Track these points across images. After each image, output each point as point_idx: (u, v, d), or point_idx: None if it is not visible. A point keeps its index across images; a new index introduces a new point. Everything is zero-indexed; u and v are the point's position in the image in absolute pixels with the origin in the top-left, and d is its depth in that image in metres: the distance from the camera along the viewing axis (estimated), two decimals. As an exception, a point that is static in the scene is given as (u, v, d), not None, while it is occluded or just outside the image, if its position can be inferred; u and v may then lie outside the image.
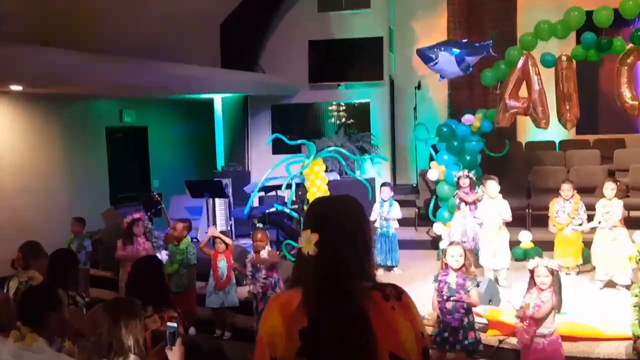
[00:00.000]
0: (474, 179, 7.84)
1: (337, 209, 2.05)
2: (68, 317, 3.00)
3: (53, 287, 3.12)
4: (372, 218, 7.97)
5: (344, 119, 12.54)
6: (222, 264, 6.35)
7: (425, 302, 6.17)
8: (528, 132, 11.55)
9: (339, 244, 1.96)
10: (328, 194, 7.79)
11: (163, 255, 7.34)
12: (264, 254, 5.82)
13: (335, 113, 12.60)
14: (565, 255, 7.26)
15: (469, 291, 4.81)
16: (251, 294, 5.92)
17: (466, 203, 7.61)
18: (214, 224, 9.57)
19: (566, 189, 7.42)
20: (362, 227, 2.04)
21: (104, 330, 2.59)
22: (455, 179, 7.90)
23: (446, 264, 4.95)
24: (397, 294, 1.98)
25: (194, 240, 8.40)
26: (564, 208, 7.38)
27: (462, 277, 4.85)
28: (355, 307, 1.89)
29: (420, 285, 7.19)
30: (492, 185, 7.09)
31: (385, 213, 7.95)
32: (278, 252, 8.23)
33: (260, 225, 6.45)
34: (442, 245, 5.11)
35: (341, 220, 2.01)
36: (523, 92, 8.31)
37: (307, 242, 1.95)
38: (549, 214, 7.56)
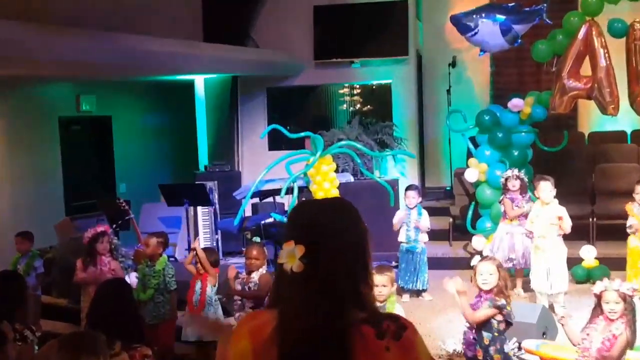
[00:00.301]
0: (526, 180, 7.86)
1: (329, 215, 2.05)
2: (15, 356, 3.04)
3: (-4, 319, 3.16)
4: (395, 229, 7.99)
5: (358, 106, 12.55)
6: (198, 287, 6.41)
7: (460, 337, 6.23)
8: (592, 121, 11.54)
9: (331, 259, 1.96)
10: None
11: (132, 278, 7.39)
12: (254, 277, 5.81)
13: (348, 98, 12.62)
14: (640, 276, 7.25)
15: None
16: None
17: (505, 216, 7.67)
18: (196, 238, 9.63)
19: None
20: (360, 239, 2.04)
21: (59, 374, 2.62)
22: (502, 180, 7.92)
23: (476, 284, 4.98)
24: (396, 331, 1.93)
25: (171, 259, 8.46)
26: None
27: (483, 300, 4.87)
28: (338, 347, 1.89)
29: (455, 314, 7.23)
30: (547, 188, 7.09)
31: (413, 223, 7.97)
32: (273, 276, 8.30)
33: (257, 239, 6.46)
34: (474, 261, 5.13)
35: (334, 229, 2.01)
36: (585, 69, 8.31)
37: (290, 255, 1.95)
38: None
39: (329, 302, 1.93)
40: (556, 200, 7.14)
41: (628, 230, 7.27)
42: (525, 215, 7.59)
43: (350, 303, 1.96)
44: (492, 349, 4.84)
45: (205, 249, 6.71)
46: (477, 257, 5.17)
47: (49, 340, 3.94)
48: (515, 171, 7.89)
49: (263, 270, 5.87)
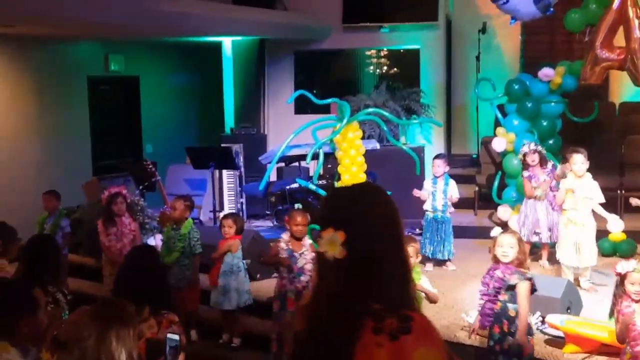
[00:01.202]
0: (544, 152, 7.78)
1: (364, 201, 2.05)
2: (46, 321, 3.07)
3: (27, 283, 3.19)
4: (423, 198, 7.97)
5: (386, 70, 12.46)
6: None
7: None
8: (623, 91, 11.35)
9: (365, 245, 1.97)
10: (364, 167, 7.80)
11: (157, 240, 7.47)
12: (306, 243, 5.88)
13: (376, 63, 12.51)
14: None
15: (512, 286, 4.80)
16: (280, 292, 5.93)
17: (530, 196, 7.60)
18: (221, 201, 9.68)
19: None
20: (394, 225, 2.04)
21: (90, 343, 2.65)
22: (520, 156, 7.83)
23: (496, 257, 4.96)
24: (397, 329, 1.86)
25: (197, 221, 8.51)
26: None
27: (507, 272, 4.85)
28: (342, 335, 1.90)
29: (478, 284, 7.21)
30: (579, 160, 6.96)
31: (440, 193, 7.92)
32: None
33: (299, 206, 6.47)
34: (493, 233, 5.10)
35: (372, 213, 2.02)
36: (619, 40, 8.15)
37: (331, 243, 1.95)
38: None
39: (352, 288, 1.94)
40: (589, 174, 7.04)
41: None
42: (552, 188, 7.53)
43: (372, 291, 1.95)
44: (518, 320, 4.83)
45: (229, 215, 6.70)
46: (497, 229, 5.13)
47: (77, 300, 4.01)
48: (532, 145, 7.77)
49: (308, 237, 5.95)
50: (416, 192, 7.93)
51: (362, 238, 1.97)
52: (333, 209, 2.07)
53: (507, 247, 4.87)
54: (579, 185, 6.99)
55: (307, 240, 5.93)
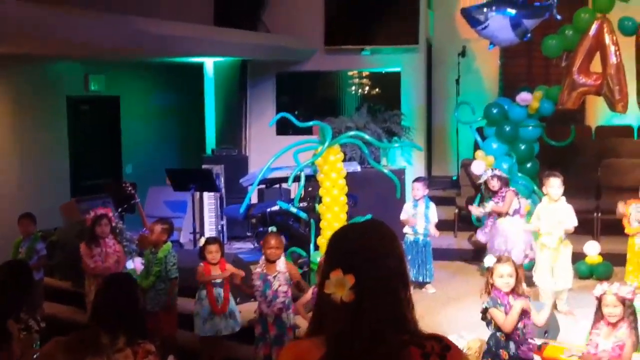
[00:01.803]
0: (503, 175, 7.91)
1: (372, 241, 2.08)
2: (19, 352, 3.04)
3: (0, 316, 3.15)
4: (409, 224, 8.04)
5: (367, 92, 12.51)
6: (217, 290, 6.26)
7: (465, 329, 6.24)
8: (599, 115, 11.48)
9: (375, 285, 2.00)
10: (345, 190, 7.81)
11: (137, 264, 7.41)
12: (280, 265, 5.86)
13: (357, 84, 12.57)
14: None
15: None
16: (258, 316, 5.92)
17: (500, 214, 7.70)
18: (202, 224, 9.65)
19: None
20: (400, 261, 2.08)
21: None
22: (482, 186, 7.95)
23: (492, 285, 4.94)
24: (440, 351, 1.98)
25: (176, 244, 8.47)
26: None
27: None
28: None
29: (458, 307, 7.26)
30: (556, 184, 7.03)
31: (421, 216, 7.96)
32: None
33: (274, 228, 6.45)
34: (488, 262, 5.09)
35: (379, 255, 2.04)
36: (596, 66, 8.26)
37: (340, 285, 1.97)
38: (619, 214, 7.51)
39: (375, 326, 1.96)
40: (564, 198, 7.11)
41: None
42: (519, 211, 7.69)
43: (395, 326, 1.99)
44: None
45: (214, 240, 6.48)
46: (490, 258, 5.10)
47: (53, 325, 3.96)
48: (489, 171, 7.95)
49: (283, 258, 5.94)
50: (404, 220, 8.03)
51: (372, 281, 1.99)
52: (342, 250, 2.08)
53: (507, 277, 4.82)
54: (554, 209, 7.05)
55: (282, 263, 5.91)
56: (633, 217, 7.33)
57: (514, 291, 4.87)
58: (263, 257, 5.99)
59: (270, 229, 6.65)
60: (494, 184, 7.80)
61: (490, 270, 4.99)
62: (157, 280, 6.47)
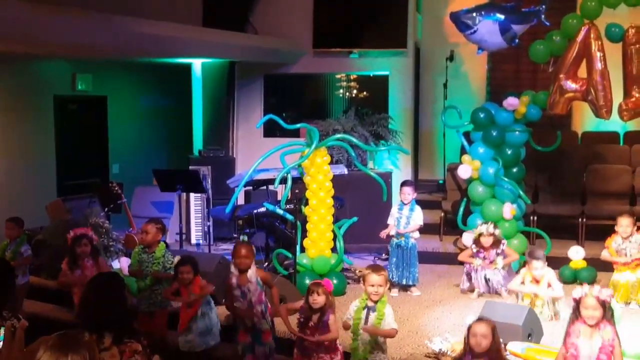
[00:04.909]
0: (500, 235, 7.82)
1: None
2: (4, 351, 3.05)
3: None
4: (389, 222, 8.06)
5: (355, 95, 12.55)
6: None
7: (449, 331, 6.28)
8: (585, 121, 11.56)
9: None
10: (332, 192, 7.86)
11: (122, 263, 7.40)
12: (250, 274, 5.67)
13: (345, 87, 12.60)
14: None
15: None
16: (233, 322, 5.89)
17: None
18: (188, 224, 9.66)
19: (624, 224, 7.39)
20: None
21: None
22: (475, 235, 7.88)
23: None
24: None
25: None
26: (625, 249, 7.39)
27: None
28: None
29: (443, 310, 7.30)
30: (539, 266, 6.98)
31: (405, 220, 7.99)
32: (266, 266, 8.30)
33: (245, 238, 6.33)
34: (467, 321, 4.89)
35: None
36: (582, 72, 8.33)
37: None
38: (607, 259, 7.59)
39: None
40: (548, 270, 7.05)
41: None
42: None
43: None
44: None
45: (187, 261, 6.19)
46: (470, 318, 5.00)
47: (37, 322, 3.96)
48: (490, 227, 7.77)
49: (253, 267, 5.74)
50: (391, 222, 8.04)
51: None
52: None
53: (480, 338, 4.39)
54: (538, 289, 7.00)
55: (252, 272, 5.70)
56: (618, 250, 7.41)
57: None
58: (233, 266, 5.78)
59: (241, 238, 6.55)
60: (488, 241, 7.69)
61: (468, 331, 4.54)
62: (154, 281, 6.45)
